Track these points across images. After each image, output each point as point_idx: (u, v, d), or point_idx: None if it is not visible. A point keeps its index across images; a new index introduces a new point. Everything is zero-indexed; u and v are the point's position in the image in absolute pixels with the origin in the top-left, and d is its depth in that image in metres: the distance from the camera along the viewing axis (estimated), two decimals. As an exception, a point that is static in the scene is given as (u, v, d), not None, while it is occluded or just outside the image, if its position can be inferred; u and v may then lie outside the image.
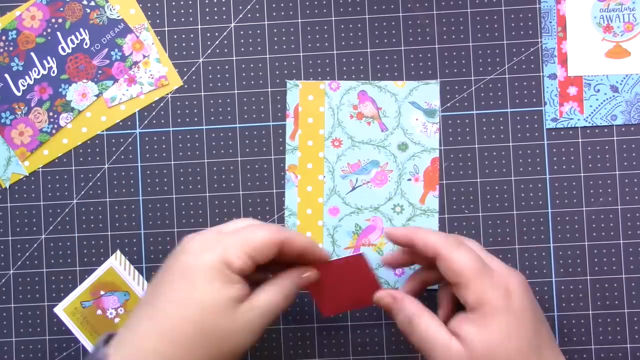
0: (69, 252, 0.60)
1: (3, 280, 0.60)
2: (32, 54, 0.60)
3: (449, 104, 0.59)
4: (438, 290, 0.53)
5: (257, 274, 0.50)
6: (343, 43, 0.60)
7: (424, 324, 0.50)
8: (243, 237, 0.49)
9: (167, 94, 0.60)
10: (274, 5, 0.60)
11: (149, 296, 0.49)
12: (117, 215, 0.60)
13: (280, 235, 0.49)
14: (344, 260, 0.53)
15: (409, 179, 0.59)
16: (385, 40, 0.59)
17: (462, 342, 0.48)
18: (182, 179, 0.60)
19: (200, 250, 0.49)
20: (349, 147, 0.59)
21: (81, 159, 0.60)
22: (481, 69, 0.59)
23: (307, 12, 0.60)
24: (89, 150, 0.60)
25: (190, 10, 0.60)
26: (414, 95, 0.59)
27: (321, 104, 0.59)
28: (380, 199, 0.59)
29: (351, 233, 0.59)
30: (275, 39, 0.60)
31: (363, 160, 0.59)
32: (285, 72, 0.60)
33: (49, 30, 0.60)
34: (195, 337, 0.47)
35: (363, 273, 0.54)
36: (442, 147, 0.59)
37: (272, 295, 0.50)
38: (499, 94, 0.59)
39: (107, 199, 0.60)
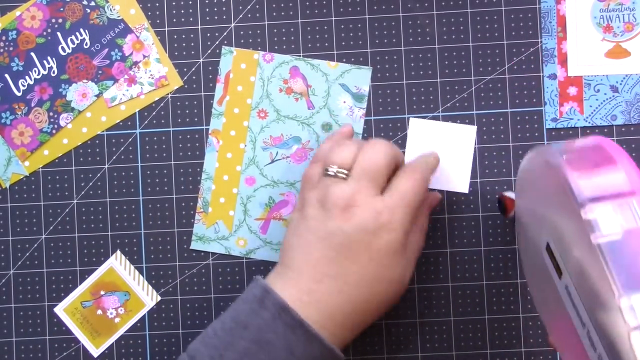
0: (69, 252, 0.60)
1: (3, 280, 0.60)
2: (32, 54, 0.60)
3: (449, 104, 0.59)
4: None
5: None
6: (343, 43, 0.60)
7: None
8: (407, 202, 0.51)
9: (167, 94, 0.60)
10: (274, 5, 0.60)
11: (323, 264, 0.50)
12: (117, 215, 0.60)
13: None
14: None
15: None
16: (385, 40, 0.59)
17: None
18: (182, 179, 0.60)
19: (378, 228, 0.50)
20: (274, 120, 0.59)
21: (81, 159, 0.60)
22: (481, 69, 0.59)
23: (307, 12, 0.60)
24: (89, 150, 0.60)
25: (190, 10, 0.60)
26: (345, 78, 0.59)
27: (252, 74, 0.59)
28: (297, 175, 0.59)
29: (264, 205, 0.59)
30: (275, 39, 0.60)
31: (286, 134, 0.59)
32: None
33: (49, 30, 0.60)
34: (376, 309, 0.51)
35: None
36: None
37: (417, 244, 0.54)
38: (499, 94, 0.59)
39: (107, 199, 0.60)
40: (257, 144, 0.59)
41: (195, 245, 0.59)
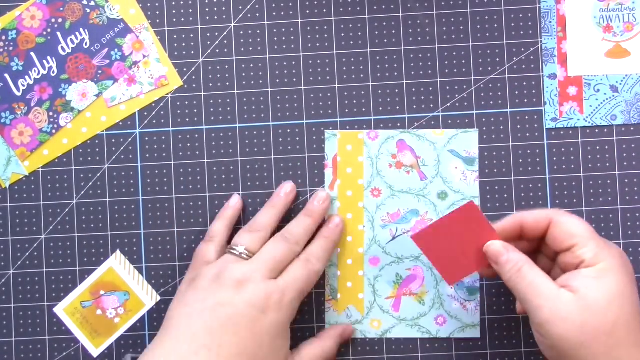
0: (69, 252, 0.60)
1: (3, 280, 0.60)
2: (32, 54, 0.60)
3: (448, 104, 0.59)
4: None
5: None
6: (343, 43, 0.60)
7: (533, 273, 0.49)
8: (299, 287, 0.53)
9: (167, 94, 0.60)
10: (274, 5, 0.60)
11: (203, 334, 0.50)
12: (117, 215, 0.60)
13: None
14: (455, 213, 0.52)
15: None
16: (385, 40, 0.59)
17: (574, 292, 0.47)
18: (182, 179, 0.60)
19: (265, 306, 0.51)
20: (389, 196, 0.59)
21: (81, 159, 0.60)
22: (481, 69, 0.59)
23: (307, 12, 0.60)
24: (89, 150, 0.60)
25: (190, 10, 0.60)
26: (452, 144, 0.58)
27: (360, 154, 0.59)
28: None
29: (392, 282, 0.58)
30: (275, 39, 0.60)
31: (403, 209, 0.58)
32: (285, 71, 0.60)
33: (49, 30, 0.60)
34: None
35: (477, 223, 0.52)
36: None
37: (314, 357, 0.55)
38: (499, 94, 0.59)
39: (107, 199, 0.60)
40: (375, 223, 0.59)
41: None
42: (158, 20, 0.60)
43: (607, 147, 0.58)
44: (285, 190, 0.58)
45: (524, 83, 0.59)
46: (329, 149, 0.59)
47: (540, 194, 0.58)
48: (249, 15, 0.60)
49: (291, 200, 0.58)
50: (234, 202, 0.58)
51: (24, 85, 0.60)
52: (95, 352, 0.59)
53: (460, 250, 0.53)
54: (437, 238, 0.53)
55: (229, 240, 0.56)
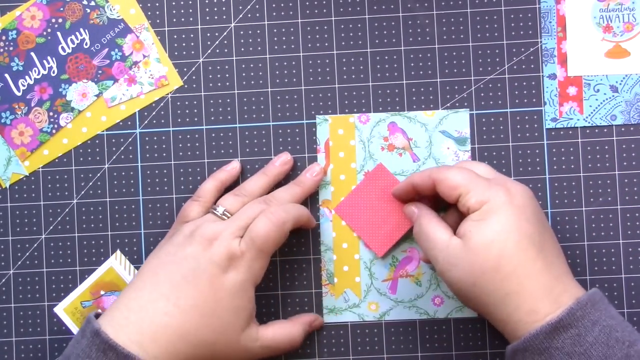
0: (69, 252, 0.60)
1: (3, 280, 0.60)
2: (32, 54, 0.60)
3: (448, 104, 0.59)
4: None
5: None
6: (343, 43, 0.60)
7: (428, 225, 0.52)
8: (260, 244, 0.52)
9: (167, 94, 0.60)
10: (274, 5, 0.60)
11: (164, 284, 0.51)
12: (117, 215, 0.60)
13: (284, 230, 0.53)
14: (366, 178, 0.55)
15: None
16: (385, 40, 0.59)
17: (461, 238, 0.50)
18: (182, 179, 0.60)
19: (227, 265, 0.52)
20: None
21: (81, 159, 0.60)
22: (481, 69, 0.59)
23: (307, 12, 0.60)
24: (89, 150, 0.60)
25: (190, 10, 0.60)
26: (444, 124, 0.59)
27: (351, 138, 0.59)
28: None
29: (388, 265, 0.59)
30: (275, 39, 0.60)
31: None
32: (285, 72, 0.60)
33: (49, 30, 0.60)
34: (203, 346, 0.51)
35: (390, 185, 0.56)
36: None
37: (279, 336, 0.55)
38: (499, 94, 0.59)
39: (107, 199, 0.60)
40: None
41: (328, 318, 0.58)
42: (158, 20, 0.60)
43: (606, 147, 0.58)
44: (282, 160, 0.58)
45: (524, 83, 0.59)
46: (321, 134, 0.59)
47: (540, 193, 0.58)
48: (249, 15, 0.60)
49: (285, 171, 0.58)
50: (230, 167, 0.58)
51: (24, 85, 0.60)
52: (95, 352, 0.59)
53: (381, 217, 0.57)
54: (358, 207, 0.56)
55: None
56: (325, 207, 0.59)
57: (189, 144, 0.60)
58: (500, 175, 0.53)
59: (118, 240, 0.60)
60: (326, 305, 0.59)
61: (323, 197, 0.59)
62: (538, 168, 0.58)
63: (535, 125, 0.59)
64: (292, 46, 0.60)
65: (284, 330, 0.55)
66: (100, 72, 0.60)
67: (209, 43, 0.60)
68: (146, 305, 0.50)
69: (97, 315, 0.51)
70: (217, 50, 0.60)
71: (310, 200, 0.59)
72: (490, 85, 0.59)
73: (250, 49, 0.60)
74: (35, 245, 0.60)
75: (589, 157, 0.58)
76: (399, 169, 0.59)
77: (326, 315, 0.59)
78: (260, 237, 0.52)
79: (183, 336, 0.50)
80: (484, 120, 0.59)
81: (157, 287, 0.51)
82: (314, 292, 0.59)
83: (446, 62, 0.59)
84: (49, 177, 0.60)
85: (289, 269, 0.59)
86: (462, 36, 0.59)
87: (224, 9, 0.60)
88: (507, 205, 0.49)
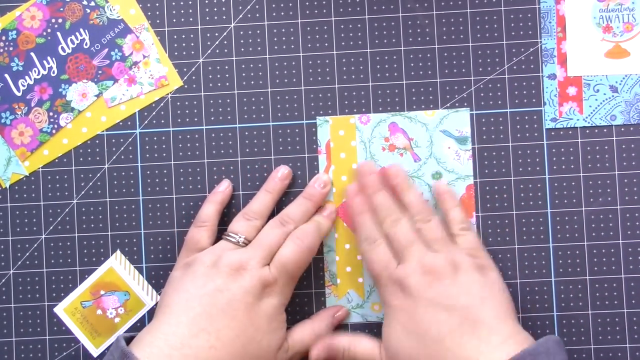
0: (69, 252, 0.60)
1: (3, 280, 0.60)
2: (32, 54, 0.60)
3: (448, 104, 0.59)
4: None
5: None
6: (343, 43, 0.60)
7: (360, 346, 0.55)
8: (291, 270, 0.54)
9: (167, 94, 0.60)
10: (274, 5, 0.60)
11: (202, 318, 0.51)
12: (117, 215, 0.60)
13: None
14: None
15: None
16: (385, 41, 0.59)
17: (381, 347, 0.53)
18: (182, 179, 0.60)
19: (261, 292, 0.53)
20: None
21: (81, 159, 0.60)
22: (481, 69, 0.59)
23: (307, 12, 0.60)
24: (89, 150, 0.60)
25: (190, 10, 0.60)
26: (444, 124, 0.59)
27: (352, 138, 0.59)
28: None
29: None
30: (275, 39, 0.60)
31: None
32: (285, 72, 0.60)
33: (49, 30, 0.60)
34: None
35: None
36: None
37: (307, 338, 0.56)
38: (499, 94, 0.59)
39: (107, 199, 0.60)
40: None
41: None
42: (158, 21, 0.60)
43: (606, 147, 0.58)
44: (282, 175, 0.58)
45: (524, 83, 0.59)
46: (322, 135, 0.59)
47: (539, 194, 0.58)
48: (249, 16, 0.60)
49: (286, 186, 0.58)
50: (224, 187, 0.59)
51: (24, 86, 0.60)
52: (95, 352, 0.59)
53: None
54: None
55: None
56: None
57: (189, 144, 0.60)
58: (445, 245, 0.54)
59: (118, 240, 0.60)
60: (329, 306, 0.59)
61: (325, 199, 0.59)
62: (538, 168, 0.58)
63: (535, 126, 0.59)
64: (292, 46, 0.60)
65: (310, 331, 0.56)
66: (100, 72, 0.60)
67: (209, 43, 0.60)
68: (188, 342, 0.50)
69: (127, 340, 0.51)
70: (217, 51, 0.60)
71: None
72: (490, 86, 0.59)
73: (250, 49, 0.60)
74: (35, 245, 0.60)
75: (589, 157, 0.58)
76: None
77: None
78: (290, 264, 0.54)
79: None
80: (483, 120, 0.59)
81: (194, 322, 0.51)
82: (314, 292, 0.59)
83: (446, 62, 0.59)
84: (49, 177, 0.60)
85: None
86: (462, 36, 0.59)
87: (224, 9, 0.60)
88: (402, 307, 0.52)
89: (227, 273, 0.52)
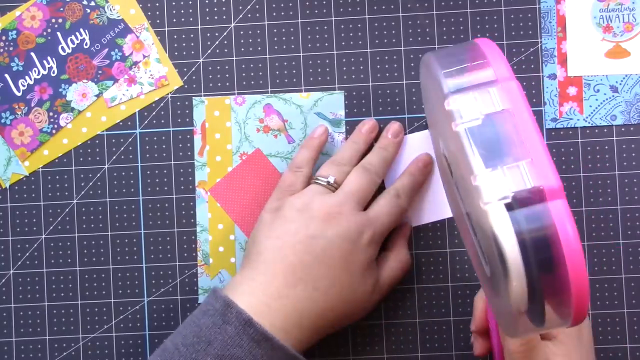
0: (69, 252, 0.60)
1: (3, 280, 0.60)
2: (32, 54, 0.60)
3: (448, 104, 0.59)
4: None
5: None
6: (343, 43, 0.60)
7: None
8: (388, 222, 0.54)
9: (167, 94, 0.60)
10: (274, 5, 0.60)
11: (298, 267, 0.50)
12: (117, 215, 0.60)
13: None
14: (243, 162, 0.56)
15: None
16: (385, 40, 0.59)
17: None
18: (182, 179, 0.60)
19: (356, 238, 0.52)
20: None
21: (81, 159, 0.60)
22: (481, 69, 0.59)
23: (307, 12, 0.60)
24: (89, 150, 0.60)
25: (190, 10, 0.60)
26: (318, 106, 0.59)
27: (227, 119, 0.59)
28: None
29: None
30: (275, 39, 0.60)
31: None
32: (285, 72, 0.60)
33: (49, 30, 0.60)
34: (341, 319, 0.52)
35: (266, 170, 0.57)
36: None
37: (394, 268, 0.55)
38: (499, 94, 0.59)
39: (107, 199, 0.60)
40: None
41: (203, 299, 0.58)
42: (158, 20, 0.60)
43: (606, 147, 0.58)
44: (368, 128, 0.57)
45: (524, 83, 0.59)
46: (197, 116, 0.59)
47: (540, 194, 0.58)
48: (249, 15, 0.60)
49: (372, 138, 0.58)
50: (320, 132, 0.57)
51: (24, 86, 0.60)
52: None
53: (255, 201, 0.57)
54: (233, 190, 0.56)
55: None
56: (201, 188, 0.59)
57: (188, 144, 0.60)
58: None
59: (118, 240, 0.60)
60: (201, 285, 0.59)
61: (199, 178, 0.59)
62: (538, 168, 0.58)
63: (535, 125, 0.59)
64: (292, 46, 0.60)
65: (397, 263, 0.56)
66: (100, 72, 0.60)
67: (209, 43, 0.60)
68: (286, 292, 0.50)
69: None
70: (217, 50, 0.60)
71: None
72: (490, 85, 0.59)
73: (250, 49, 0.60)
74: (35, 245, 0.60)
75: (589, 157, 0.58)
76: (274, 150, 0.59)
77: (201, 296, 0.59)
78: (384, 218, 0.53)
79: (324, 317, 0.51)
80: (484, 120, 0.59)
81: (290, 271, 0.50)
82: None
83: (446, 62, 0.59)
84: (49, 177, 0.60)
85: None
86: (462, 36, 0.59)
87: (224, 9, 0.60)
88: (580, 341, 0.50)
89: (320, 218, 0.51)
